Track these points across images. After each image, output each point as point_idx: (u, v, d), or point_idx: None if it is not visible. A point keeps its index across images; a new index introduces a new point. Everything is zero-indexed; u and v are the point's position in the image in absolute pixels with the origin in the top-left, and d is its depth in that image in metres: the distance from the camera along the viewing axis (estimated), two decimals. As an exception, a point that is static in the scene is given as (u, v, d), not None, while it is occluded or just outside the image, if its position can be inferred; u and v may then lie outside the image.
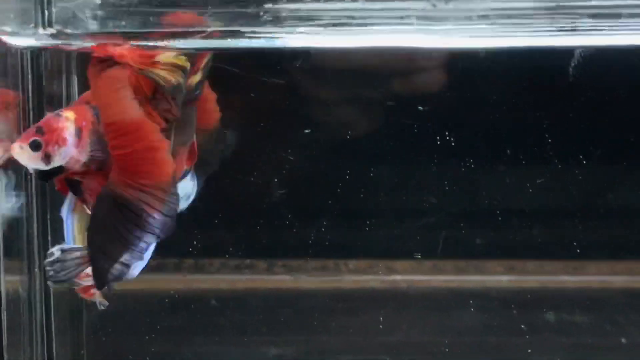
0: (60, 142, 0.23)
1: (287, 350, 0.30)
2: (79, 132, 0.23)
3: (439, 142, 0.28)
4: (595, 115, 0.29)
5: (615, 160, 0.30)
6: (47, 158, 0.23)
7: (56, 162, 0.23)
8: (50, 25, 0.28)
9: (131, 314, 0.29)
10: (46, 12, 0.27)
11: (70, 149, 0.23)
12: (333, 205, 0.30)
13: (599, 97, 0.29)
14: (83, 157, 0.23)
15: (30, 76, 0.28)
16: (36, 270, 0.27)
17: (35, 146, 0.23)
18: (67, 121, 0.23)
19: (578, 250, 0.30)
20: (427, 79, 0.29)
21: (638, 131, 0.29)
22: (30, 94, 0.28)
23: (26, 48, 0.27)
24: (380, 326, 0.30)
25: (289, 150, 0.29)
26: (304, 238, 0.30)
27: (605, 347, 0.30)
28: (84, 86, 0.28)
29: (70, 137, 0.23)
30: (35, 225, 0.28)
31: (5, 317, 0.26)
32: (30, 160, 0.23)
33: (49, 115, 0.24)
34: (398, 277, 0.31)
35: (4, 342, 0.27)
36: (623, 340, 0.30)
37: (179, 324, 0.30)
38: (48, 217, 0.28)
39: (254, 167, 0.29)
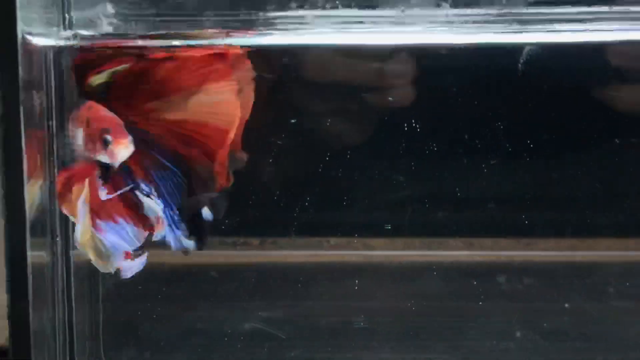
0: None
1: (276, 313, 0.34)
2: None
3: (406, 131, 0.33)
4: (544, 107, 0.34)
5: (559, 149, 0.35)
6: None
7: None
8: (70, 27, 0.32)
9: (142, 283, 0.34)
10: (67, 17, 0.32)
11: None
12: (315, 190, 0.35)
13: (547, 90, 0.34)
14: None
15: (53, 74, 0.32)
16: (58, 239, 0.31)
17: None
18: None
19: (528, 229, 0.35)
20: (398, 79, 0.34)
21: (581, 122, 0.34)
22: (53, 91, 0.32)
23: (50, 47, 0.31)
24: (357, 293, 0.34)
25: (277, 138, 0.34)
26: (290, 219, 0.35)
27: (551, 310, 0.35)
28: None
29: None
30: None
31: (31, 283, 0.30)
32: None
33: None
34: (373, 252, 0.35)
35: (30, 306, 0.31)
36: (566, 305, 0.35)
37: (184, 292, 0.34)
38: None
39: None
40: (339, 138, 0.35)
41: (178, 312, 0.34)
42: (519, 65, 0.31)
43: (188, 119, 0.31)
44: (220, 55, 0.30)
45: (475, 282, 0.35)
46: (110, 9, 0.32)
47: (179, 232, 0.31)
